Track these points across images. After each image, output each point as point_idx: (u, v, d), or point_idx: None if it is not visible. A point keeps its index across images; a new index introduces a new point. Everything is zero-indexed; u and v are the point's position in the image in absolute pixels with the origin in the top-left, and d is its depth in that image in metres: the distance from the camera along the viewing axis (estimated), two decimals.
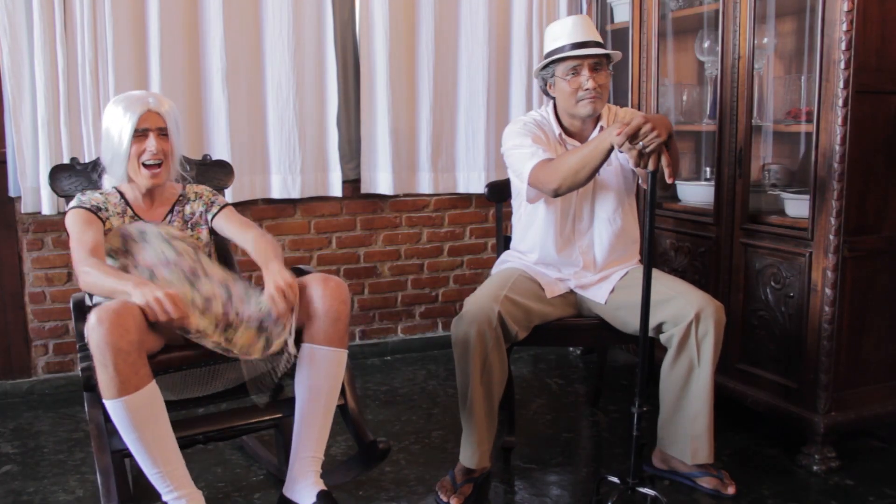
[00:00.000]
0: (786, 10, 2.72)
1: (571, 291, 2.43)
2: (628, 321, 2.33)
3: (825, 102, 2.31)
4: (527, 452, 2.59)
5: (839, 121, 2.27)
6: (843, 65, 2.25)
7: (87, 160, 2.76)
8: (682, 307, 2.22)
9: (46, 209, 2.93)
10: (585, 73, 2.30)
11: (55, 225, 3.06)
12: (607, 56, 2.34)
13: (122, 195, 2.22)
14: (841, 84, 2.26)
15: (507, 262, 2.53)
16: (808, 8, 2.46)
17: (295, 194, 3.33)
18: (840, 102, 2.26)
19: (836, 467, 2.42)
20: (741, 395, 2.66)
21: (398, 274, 3.64)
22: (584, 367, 3.45)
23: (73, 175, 2.37)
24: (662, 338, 2.27)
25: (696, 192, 2.89)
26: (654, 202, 2.04)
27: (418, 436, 2.75)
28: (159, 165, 2.14)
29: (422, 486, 2.39)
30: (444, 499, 2.27)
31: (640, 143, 1.99)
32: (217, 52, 3.12)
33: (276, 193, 3.32)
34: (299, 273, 2.25)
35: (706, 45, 2.89)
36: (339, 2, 3.35)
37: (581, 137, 2.40)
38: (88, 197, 2.18)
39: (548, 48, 2.37)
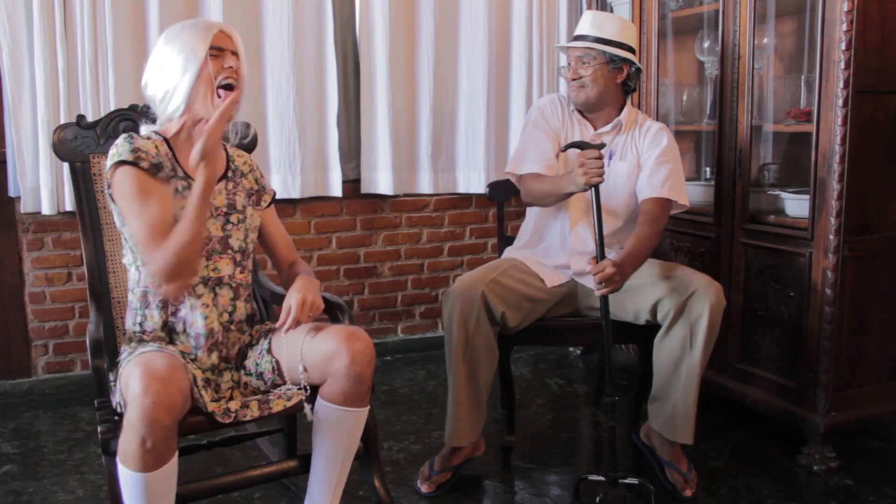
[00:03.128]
0: (786, 10, 2.72)
1: (571, 281, 2.43)
2: (625, 306, 2.33)
3: (825, 102, 2.31)
4: (527, 452, 2.59)
5: (839, 121, 2.27)
6: (843, 65, 2.25)
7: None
8: (679, 283, 2.23)
9: (46, 209, 2.93)
10: (572, 63, 2.41)
11: (55, 225, 3.06)
12: (612, 49, 2.36)
13: (168, 145, 1.85)
14: (841, 84, 2.26)
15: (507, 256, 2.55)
16: (808, 8, 2.46)
17: (295, 194, 3.33)
18: (840, 102, 2.26)
19: (836, 467, 2.42)
20: (741, 394, 2.66)
21: (398, 274, 3.64)
22: (584, 367, 3.45)
23: (79, 136, 2.10)
24: (659, 316, 2.26)
25: (695, 192, 2.88)
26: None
27: (418, 436, 2.75)
28: (232, 88, 1.81)
29: None
30: (419, 485, 2.32)
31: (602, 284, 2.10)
32: None
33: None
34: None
35: (706, 45, 2.89)
36: (339, 2, 3.35)
37: (594, 121, 2.47)
38: (143, 144, 1.78)
39: None
